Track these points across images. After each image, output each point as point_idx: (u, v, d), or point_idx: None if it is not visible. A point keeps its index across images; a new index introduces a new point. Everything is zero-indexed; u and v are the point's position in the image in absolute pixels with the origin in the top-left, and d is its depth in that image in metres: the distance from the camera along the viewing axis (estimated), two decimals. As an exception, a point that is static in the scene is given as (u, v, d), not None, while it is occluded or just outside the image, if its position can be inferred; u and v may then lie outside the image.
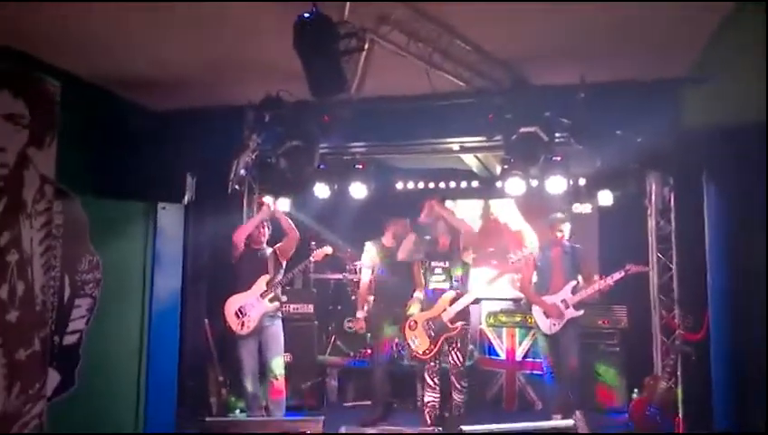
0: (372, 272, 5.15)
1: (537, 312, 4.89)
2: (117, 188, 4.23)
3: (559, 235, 4.92)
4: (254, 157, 4.42)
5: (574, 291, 4.78)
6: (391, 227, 5.18)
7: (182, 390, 5.07)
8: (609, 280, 4.74)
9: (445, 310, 4.65)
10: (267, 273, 4.71)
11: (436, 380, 4.76)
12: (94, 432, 4.13)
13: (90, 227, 4.22)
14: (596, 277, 4.90)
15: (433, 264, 4.85)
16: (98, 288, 4.32)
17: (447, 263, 4.82)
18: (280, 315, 4.78)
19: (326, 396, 5.59)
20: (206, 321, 5.20)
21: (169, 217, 4.96)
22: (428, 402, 4.76)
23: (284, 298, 4.94)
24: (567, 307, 4.75)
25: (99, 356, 4.27)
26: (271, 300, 4.63)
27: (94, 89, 4.19)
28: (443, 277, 4.80)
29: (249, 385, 4.64)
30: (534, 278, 5.02)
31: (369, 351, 5.55)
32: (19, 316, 3.47)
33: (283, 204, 5.45)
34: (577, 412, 4.49)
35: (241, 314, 4.64)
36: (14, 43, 3.51)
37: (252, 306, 4.62)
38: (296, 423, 3.52)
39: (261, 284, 4.65)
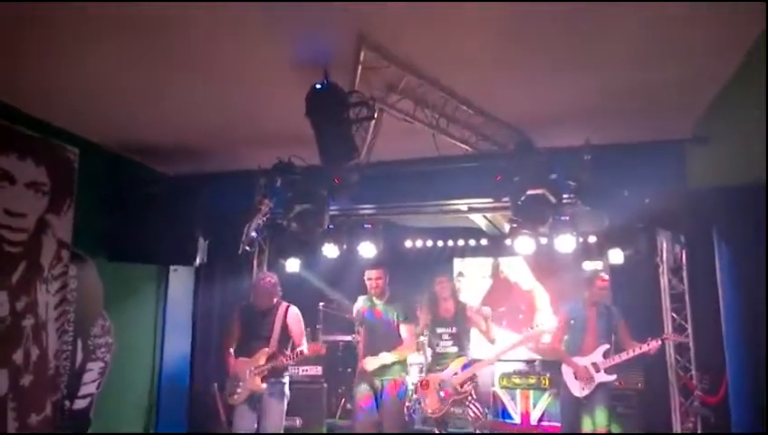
0: (361, 323, 4.70)
1: (567, 372, 4.64)
2: (130, 252, 4.30)
3: (603, 292, 4.67)
4: (265, 220, 4.50)
5: (606, 355, 4.52)
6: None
7: (191, 455, 5.00)
8: (646, 347, 4.49)
9: (456, 374, 4.57)
10: (269, 342, 4.26)
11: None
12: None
13: (104, 291, 4.27)
14: (637, 346, 4.57)
15: (438, 330, 4.62)
16: (109, 353, 4.33)
17: (455, 328, 4.65)
18: (284, 380, 4.33)
19: (336, 462, 5.44)
20: (215, 386, 5.13)
21: (180, 279, 5.03)
22: None
23: (285, 376, 4.37)
24: (597, 371, 4.50)
25: (108, 419, 4.25)
26: (263, 379, 4.19)
27: (109, 154, 4.35)
28: (450, 342, 4.63)
29: None
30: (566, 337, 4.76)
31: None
32: (32, 381, 3.50)
33: (293, 264, 5.49)
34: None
35: (234, 383, 4.28)
36: (33, 111, 3.66)
37: (244, 379, 4.22)
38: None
39: (260, 358, 4.23)
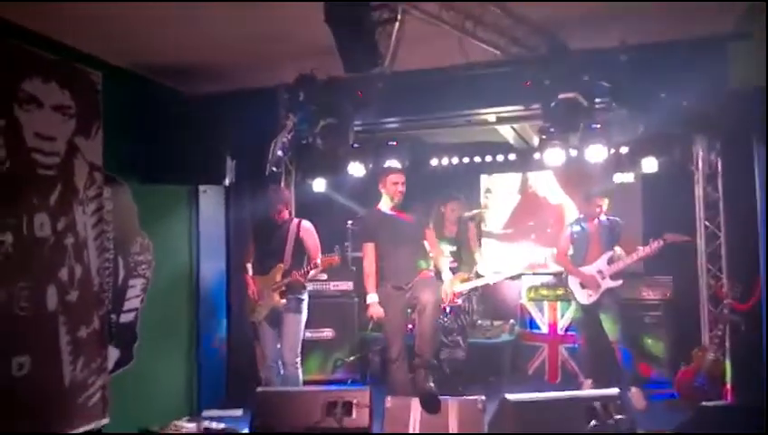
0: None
1: (573, 282, 4.91)
2: (160, 174, 4.34)
3: (597, 209, 4.88)
4: (290, 137, 4.47)
5: (611, 262, 4.77)
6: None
7: (232, 364, 5.27)
8: (647, 249, 4.70)
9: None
10: (283, 258, 4.32)
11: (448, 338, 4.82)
12: (152, 404, 4.35)
13: (138, 212, 4.38)
14: (637, 249, 4.78)
15: (442, 246, 4.73)
16: (150, 269, 4.50)
17: (456, 247, 4.88)
18: (302, 296, 4.39)
19: (369, 371, 5.69)
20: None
21: (211, 201, 5.12)
22: (444, 358, 4.78)
23: (304, 292, 4.43)
24: (603, 278, 4.75)
25: (154, 333, 4.47)
26: (281, 295, 4.28)
27: (133, 77, 4.32)
28: (451, 258, 4.80)
29: (264, 371, 4.50)
30: (570, 251, 5.00)
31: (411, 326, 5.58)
32: (79, 296, 3.67)
33: (320, 184, 5.52)
34: (633, 389, 4.49)
35: (253, 300, 4.41)
36: (55, 34, 3.64)
37: (262, 296, 4.35)
38: (344, 393, 3.60)
39: (275, 274, 4.31)
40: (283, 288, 4.29)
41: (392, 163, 4.97)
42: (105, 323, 3.91)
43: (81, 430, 3.63)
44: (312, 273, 4.37)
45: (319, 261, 4.32)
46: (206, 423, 4.39)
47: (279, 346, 4.40)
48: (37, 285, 3.39)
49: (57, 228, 3.56)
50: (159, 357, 4.55)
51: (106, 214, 3.98)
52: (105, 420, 3.81)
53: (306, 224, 4.47)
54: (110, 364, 4.01)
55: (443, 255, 4.55)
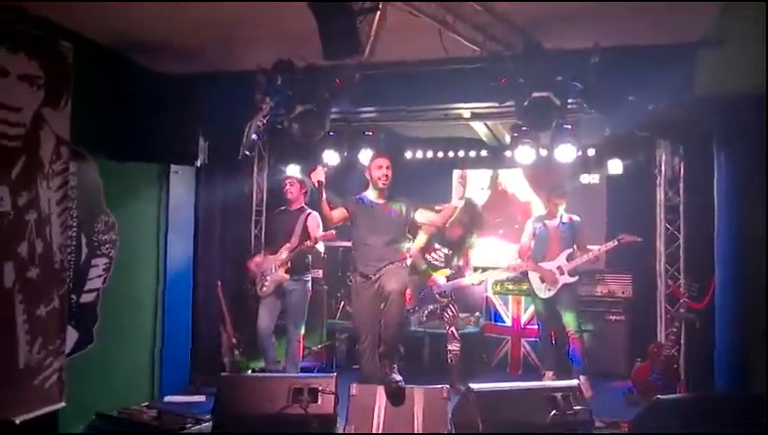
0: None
1: (533, 277, 5.09)
2: (130, 151, 4.25)
3: (557, 209, 5.05)
4: (265, 121, 4.43)
5: (569, 259, 4.95)
6: None
7: (196, 350, 5.21)
8: (603, 248, 4.89)
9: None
10: (291, 239, 4.75)
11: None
12: (111, 388, 4.26)
13: (104, 189, 4.27)
14: (591, 247, 4.98)
15: (437, 245, 5.05)
16: (114, 249, 4.40)
17: (450, 251, 5.06)
18: (307, 278, 4.86)
19: (336, 359, 5.71)
20: (219, 283, 5.29)
21: (182, 181, 5.03)
22: (453, 350, 5.02)
23: (308, 274, 4.90)
24: (562, 273, 4.93)
25: (115, 315, 4.37)
26: (287, 271, 4.71)
27: (107, 52, 4.19)
28: (441, 259, 5.06)
29: (260, 341, 4.80)
30: (532, 246, 5.15)
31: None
32: (39, 274, 3.55)
33: (293, 170, 5.49)
34: (581, 377, 4.63)
35: (262, 276, 4.81)
36: (27, 5, 3.50)
37: (270, 272, 4.76)
38: (310, 380, 3.60)
39: (282, 253, 4.74)
40: (288, 265, 4.71)
41: (367, 153, 4.99)
42: (65, 303, 3.80)
43: (36, 413, 3.51)
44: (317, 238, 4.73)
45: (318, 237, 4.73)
46: (166, 409, 4.32)
47: (274, 323, 4.82)
48: (-7, 260, 3.26)
49: (18, 203, 3.44)
50: (120, 340, 4.46)
51: (71, 190, 3.87)
52: (61, 404, 3.69)
53: (314, 214, 4.85)
54: (69, 346, 3.90)
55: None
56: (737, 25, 3.49)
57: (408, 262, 4.46)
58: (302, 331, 4.84)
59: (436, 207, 5.40)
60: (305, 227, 4.81)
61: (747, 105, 3.83)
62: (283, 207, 4.99)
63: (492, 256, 6.26)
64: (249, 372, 5.09)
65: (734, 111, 3.94)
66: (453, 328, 5.04)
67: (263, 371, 4.89)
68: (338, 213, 4.22)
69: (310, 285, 4.89)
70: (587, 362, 4.94)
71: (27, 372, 3.47)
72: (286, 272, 4.70)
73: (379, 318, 4.17)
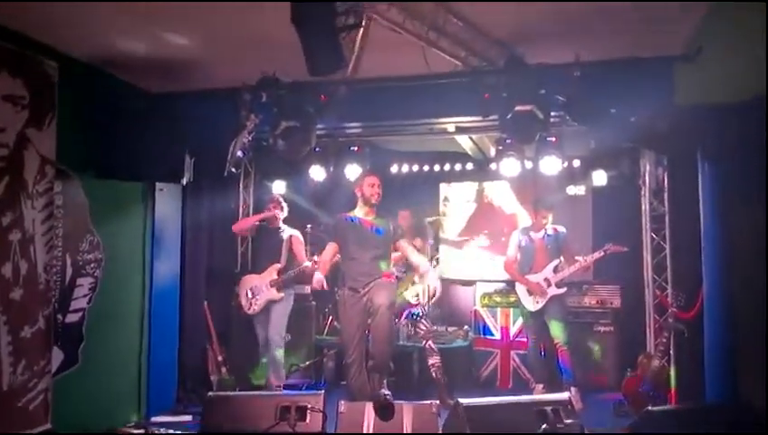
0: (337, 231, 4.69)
1: (521, 289, 5.10)
2: (115, 169, 4.25)
3: (543, 221, 5.09)
4: (250, 138, 4.43)
5: (556, 270, 4.97)
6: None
7: (182, 368, 5.15)
8: (590, 259, 4.94)
9: (407, 289, 5.06)
10: (279, 259, 5.00)
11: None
12: (97, 408, 4.20)
13: (90, 208, 4.25)
14: (578, 258, 5.02)
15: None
16: (99, 268, 4.36)
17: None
18: (290, 292, 5.06)
19: (324, 375, 5.67)
20: (205, 302, 5.25)
21: (167, 199, 5.01)
22: (434, 364, 5.01)
23: (292, 289, 5.13)
24: (549, 285, 4.95)
25: (101, 335, 4.32)
26: (278, 289, 4.90)
27: (92, 70, 4.20)
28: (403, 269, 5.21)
29: (267, 353, 4.97)
30: (518, 258, 5.18)
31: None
32: (23, 295, 3.52)
33: (279, 186, 5.49)
34: (572, 389, 4.62)
35: (251, 294, 4.98)
36: (10, 23, 3.51)
37: (260, 291, 4.95)
38: (297, 398, 3.57)
39: (271, 272, 4.93)
40: (280, 284, 4.93)
41: (353, 168, 5.00)
42: (51, 324, 3.75)
43: (21, 435, 3.46)
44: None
45: (315, 259, 4.84)
46: (153, 429, 4.26)
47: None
48: (-23, 282, 3.24)
49: (2, 223, 3.41)
50: (106, 360, 4.40)
51: (56, 209, 3.84)
52: (47, 426, 3.63)
53: (296, 233, 5.17)
54: (55, 366, 3.84)
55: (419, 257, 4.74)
56: (715, 38, 3.56)
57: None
58: (284, 339, 5.02)
59: (428, 219, 5.65)
60: (290, 249, 5.05)
61: (729, 115, 3.88)
62: (265, 227, 5.17)
63: (478, 268, 6.28)
64: (237, 389, 5.04)
65: (717, 121, 3.99)
66: (429, 342, 5.05)
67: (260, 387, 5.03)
68: (330, 254, 4.48)
69: (292, 297, 5.07)
70: (576, 373, 4.93)
71: (11, 394, 3.43)
72: (278, 291, 4.91)
73: (366, 332, 4.17)
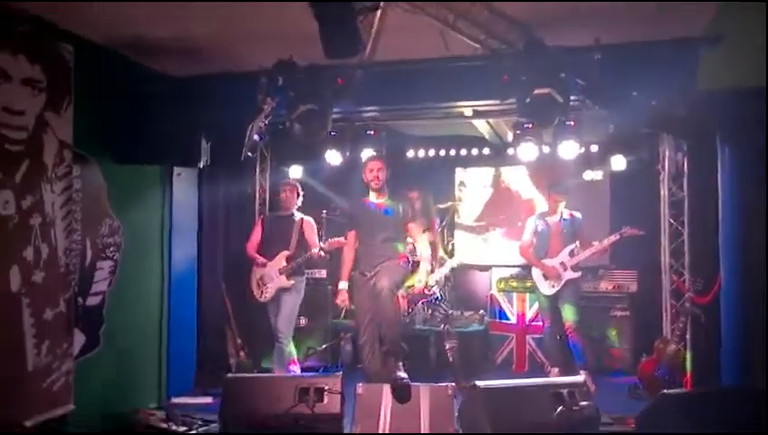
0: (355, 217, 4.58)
1: (537, 274, 5.08)
2: (132, 153, 4.26)
3: (558, 205, 5.05)
4: (267, 122, 4.44)
5: (572, 254, 4.96)
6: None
7: (201, 351, 5.22)
8: (606, 242, 4.91)
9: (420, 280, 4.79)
10: (289, 245, 4.88)
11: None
12: (118, 390, 4.28)
13: (108, 192, 4.28)
14: (594, 243, 5.00)
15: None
16: (118, 252, 4.40)
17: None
18: (302, 279, 4.96)
19: (341, 358, 5.72)
20: (223, 285, 5.30)
21: (185, 182, 5.04)
22: (451, 347, 5.01)
23: (303, 276, 5.02)
24: (565, 269, 4.93)
25: (121, 318, 4.38)
26: (288, 277, 4.80)
27: (108, 53, 4.19)
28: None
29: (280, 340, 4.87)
30: (534, 243, 5.15)
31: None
32: (45, 277, 3.56)
33: (295, 171, 5.49)
34: (583, 373, 4.62)
35: (261, 283, 4.89)
36: (25, 6, 3.49)
37: (270, 279, 4.85)
38: (315, 379, 3.60)
39: (281, 259, 4.84)
40: (290, 271, 4.81)
41: (369, 152, 4.99)
42: (72, 306, 3.80)
43: (45, 416, 3.52)
44: (326, 245, 4.79)
45: (317, 250, 4.82)
46: (174, 411, 4.33)
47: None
48: (-1, 265, 3.27)
49: (22, 207, 3.44)
50: (127, 342, 4.46)
51: (75, 193, 3.87)
52: (70, 407, 3.70)
53: (308, 219, 5.01)
54: (76, 349, 3.90)
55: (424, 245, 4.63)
56: (739, 20, 3.48)
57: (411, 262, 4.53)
58: (292, 328, 4.92)
59: (440, 205, 5.64)
60: (302, 234, 4.92)
61: (750, 99, 3.81)
62: (276, 213, 5.10)
63: (495, 253, 6.27)
64: (255, 372, 5.11)
65: (737, 105, 3.92)
66: (446, 326, 5.09)
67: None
68: (351, 242, 4.43)
69: (303, 285, 4.98)
70: (592, 357, 4.93)
71: (36, 376, 3.48)
72: (288, 278, 4.82)
73: (374, 315, 4.19)
